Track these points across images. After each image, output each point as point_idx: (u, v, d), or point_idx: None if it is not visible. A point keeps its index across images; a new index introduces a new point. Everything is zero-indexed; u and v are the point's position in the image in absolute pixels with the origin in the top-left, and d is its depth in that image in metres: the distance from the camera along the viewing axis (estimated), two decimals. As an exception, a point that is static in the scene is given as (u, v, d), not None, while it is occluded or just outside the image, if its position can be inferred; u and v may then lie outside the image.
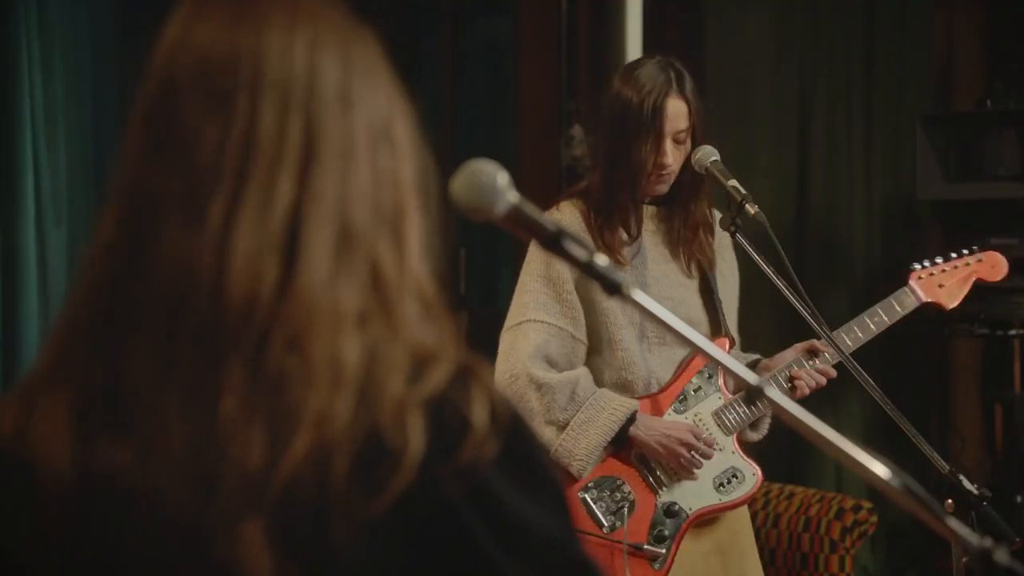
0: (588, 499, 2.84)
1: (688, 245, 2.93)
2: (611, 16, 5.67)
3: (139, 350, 1.02)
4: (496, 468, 1.03)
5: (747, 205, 2.73)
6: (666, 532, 2.86)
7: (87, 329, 1.06)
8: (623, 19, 5.64)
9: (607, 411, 2.80)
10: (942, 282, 3.04)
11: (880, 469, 1.19)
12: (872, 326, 2.94)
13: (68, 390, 1.05)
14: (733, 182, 2.78)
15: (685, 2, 5.53)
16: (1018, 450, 4.69)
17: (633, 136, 2.82)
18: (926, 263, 3.06)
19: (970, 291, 3.08)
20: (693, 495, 2.89)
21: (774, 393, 1.22)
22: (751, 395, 1.24)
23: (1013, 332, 4.65)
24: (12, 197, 5.76)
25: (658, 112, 2.81)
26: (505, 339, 2.89)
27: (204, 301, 1.01)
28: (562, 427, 2.81)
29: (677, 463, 2.84)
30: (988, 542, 1.19)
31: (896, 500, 1.20)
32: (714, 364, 2.87)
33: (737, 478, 2.91)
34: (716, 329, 2.96)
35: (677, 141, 2.84)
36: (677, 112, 2.83)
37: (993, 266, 3.11)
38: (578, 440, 2.79)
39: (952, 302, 3.05)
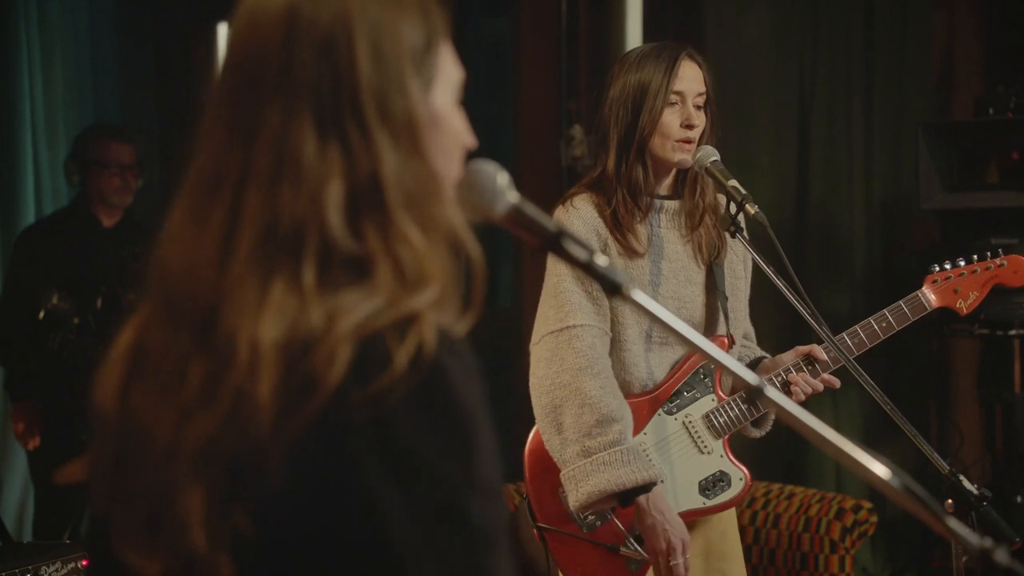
0: None
1: (696, 231, 2.89)
2: (611, 16, 5.67)
3: (156, 330, 1.21)
4: (403, 406, 1.09)
5: (747, 205, 2.73)
6: None
7: (144, 301, 1.26)
8: (623, 19, 5.64)
9: (630, 467, 2.69)
10: (958, 287, 2.96)
11: (880, 469, 1.19)
12: (879, 331, 2.88)
13: (129, 344, 1.26)
14: (733, 182, 2.77)
15: (685, 2, 5.52)
16: (1018, 450, 4.69)
17: (655, 103, 2.80)
18: (947, 265, 2.97)
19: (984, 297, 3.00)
20: (676, 498, 2.84)
21: (773, 393, 1.22)
22: (751, 395, 1.23)
23: (1013, 332, 4.65)
24: (12, 197, 5.76)
25: (676, 74, 2.81)
26: (546, 344, 2.78)
27: (185, 301, 1.18)
28: (582, 453, 2.71)
29: (653, 550, 2.74)
30: (988, 542, 1.19)
31: (896, 500, 1.20)
32: (709, 364, 2.87)
33: (724, 482, 2.87)
34: (715, 328, 2.92)
35: (696, 106, 2.83)
36: (694, 75, 2.83)
37: (1016, 271, 2.99)
38: (590, 476, 2.69)
39: (967, 308, 2.97)
